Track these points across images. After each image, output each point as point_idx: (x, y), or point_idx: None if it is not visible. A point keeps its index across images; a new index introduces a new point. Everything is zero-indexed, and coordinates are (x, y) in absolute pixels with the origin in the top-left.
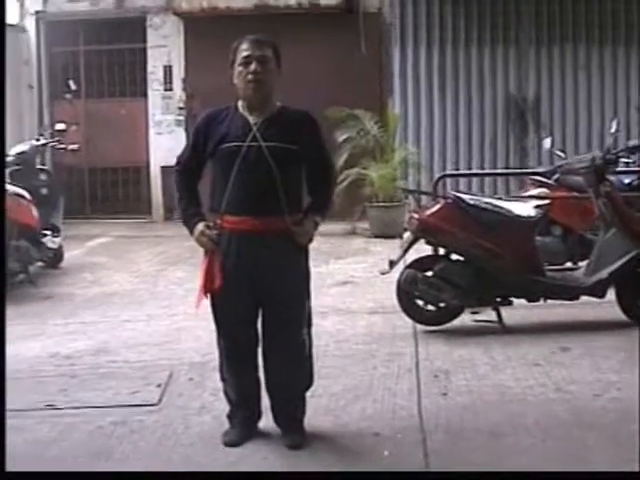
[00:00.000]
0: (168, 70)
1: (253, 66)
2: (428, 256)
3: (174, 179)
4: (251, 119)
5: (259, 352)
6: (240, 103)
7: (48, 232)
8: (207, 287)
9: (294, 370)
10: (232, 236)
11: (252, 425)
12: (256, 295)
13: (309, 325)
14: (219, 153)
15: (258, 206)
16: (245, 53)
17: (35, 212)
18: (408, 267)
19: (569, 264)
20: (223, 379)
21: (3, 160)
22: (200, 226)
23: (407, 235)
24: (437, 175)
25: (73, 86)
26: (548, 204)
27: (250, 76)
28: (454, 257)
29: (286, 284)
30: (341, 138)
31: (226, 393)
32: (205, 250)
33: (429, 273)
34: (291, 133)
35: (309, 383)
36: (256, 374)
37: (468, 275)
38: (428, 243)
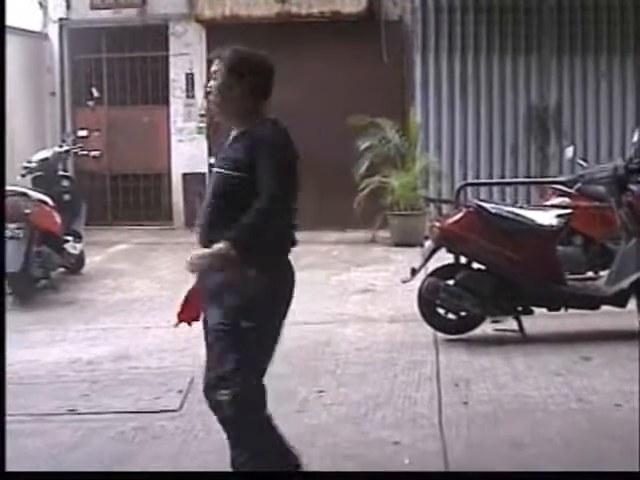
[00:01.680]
0: (190, 78)
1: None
2: (449, 265)
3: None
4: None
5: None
6: None
7: (70, 238)
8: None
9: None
10: None
11: None
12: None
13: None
14: None
15: (202, 235)
16: None
17: (57, 218)
18: (430, 275)
19: (590, 273)
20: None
21: (3, 161)
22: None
23: (429, 243)
24: (458, 184)
25: (96, 93)
26: (570, 213)
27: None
28: (475, 266)
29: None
30: (362, 146)
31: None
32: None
33: (450, 282)
34: (239, 158)
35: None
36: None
37: (489, 284)
38: (450, 252)
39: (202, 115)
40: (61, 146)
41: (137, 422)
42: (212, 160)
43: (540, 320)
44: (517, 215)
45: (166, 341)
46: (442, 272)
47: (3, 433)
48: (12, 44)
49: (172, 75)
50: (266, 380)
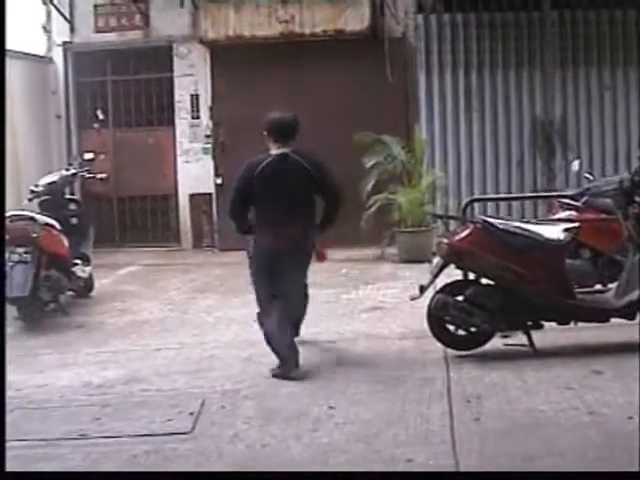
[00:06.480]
0: (195, 99)
1: None
2: (458, 281)
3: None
4: None
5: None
6: None
7: (78, 261)
8: None
9: None
10: None
11: None
12: None
13: None
14: None
15: None
16: None
17: (65, 242)
18: (438, 292)
19: (599, 286)
20: None
21: (3, 175)
22: None
23: (437, 260)
24: (465, 200)
25: (101, 116)
26: (577, 227)
27: None
28: (484, 281)
29: None
30: (369, 164)
31: None
32: None
33: (460, 298)
34: None
35: None
36: None
37: (498, 299)
38: (458, 268)
39: (207, 136)
40: (68, 169)
41: (149, 445)
42: (218, 180)
43: (550, 334)
44: (524, 230)
45: (177, 363)
46: (451, 288)
47: (3, 433)
48: (17, 68)
49: (177, 96)
50: (278, 400)
